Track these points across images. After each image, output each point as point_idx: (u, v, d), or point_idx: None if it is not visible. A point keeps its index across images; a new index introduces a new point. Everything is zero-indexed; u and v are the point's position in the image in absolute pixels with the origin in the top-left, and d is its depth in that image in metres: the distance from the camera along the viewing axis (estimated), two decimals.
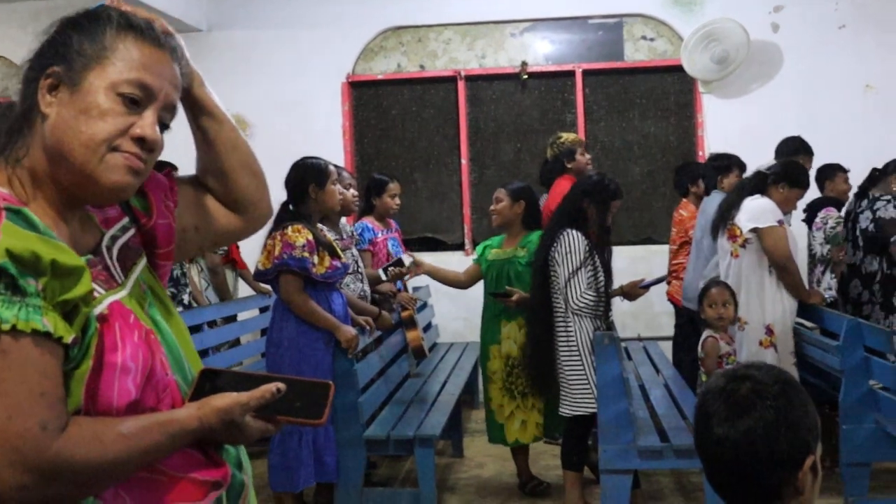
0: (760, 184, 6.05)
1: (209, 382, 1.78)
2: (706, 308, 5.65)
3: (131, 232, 1.86)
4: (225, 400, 1.71)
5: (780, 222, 5.87)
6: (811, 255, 7.57)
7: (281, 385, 1.74)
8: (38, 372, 1.49)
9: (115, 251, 1.80)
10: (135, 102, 1.69)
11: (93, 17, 1.72)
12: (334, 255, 5.47)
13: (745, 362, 2.12)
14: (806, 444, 1.90)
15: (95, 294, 1.63)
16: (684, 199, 7.88)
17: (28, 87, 1.68)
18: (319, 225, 5.66)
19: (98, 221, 1.82)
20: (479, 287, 9.26)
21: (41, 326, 1.49)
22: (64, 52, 1.67)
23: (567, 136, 7.60)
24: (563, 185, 7.18)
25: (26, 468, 1.46)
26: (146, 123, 1.70)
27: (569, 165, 7.35)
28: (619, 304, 6.06)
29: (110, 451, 1.55)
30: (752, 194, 6.01)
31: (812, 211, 7.60)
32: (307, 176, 5.55)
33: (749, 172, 6.64)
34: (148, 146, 1.70)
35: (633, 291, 5.87)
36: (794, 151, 7.06)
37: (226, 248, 8.00)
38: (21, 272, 1.48)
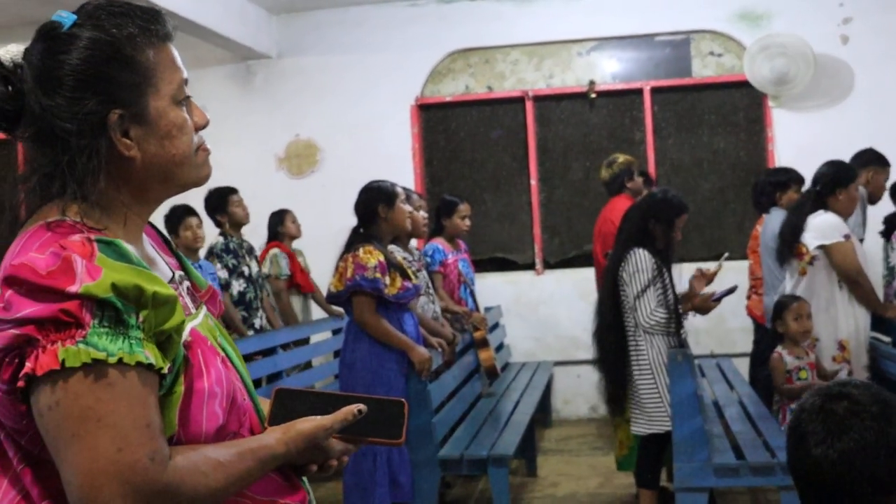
0: (819, 199, 5.97)
1: (285, 403, 1.79)
2: (790, 322, 5.61)
3: (189, 283, 1.89)
4: (309, 424, 1.71)
5: (847, 237, 5.81)
6: (889, 268, 7.46)
7: (362, 407, 1.75)
8: (143, 404, 1.51)
9: (185, 286, 1.84)
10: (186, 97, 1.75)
11: (113, 42, 1.65)
12: (405, 276, 5.51)
13: (842, 379, 2.05)
14: None
15: None
16: (763, 215, 7.77)
17: (83, 139, 1.61)
18: (390, 247, 5.71)
19: (166, 261, 1.87)
20: (548, 306, 9.31)
21: (144, 359, 1.50)
22: (113, 93, 1.63)
23: (623, 158, 7.63)
24: (618, 204, 7.20)
25: (137, 499, 1.47)
26: (200, 112, 1.78)
27: (628, 185, 7.37)
28: (691, 320, 6.02)
29: (212, 480, 1.56)
30: (813, 211, 5.94)
31: (890, 225, 7.49)
32: (376, 197, 5.60)
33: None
34: (205, 127, 1.79)
35: (705, 305, 5.79)
36: (866, 163, 6.95)
37: (289, 272, 8.05)
38: (125, 306, 1.50)
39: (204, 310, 1.85)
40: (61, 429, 1.48)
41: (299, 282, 8.20)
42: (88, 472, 1.46)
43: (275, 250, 8.09)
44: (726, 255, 5.99)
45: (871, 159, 7.05)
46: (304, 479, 1.87)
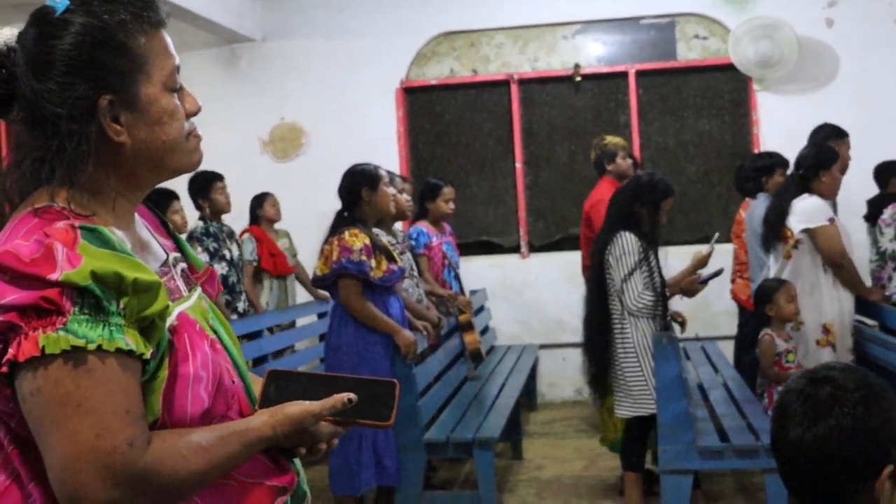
0: (803, 182, 5.96)
1: (277, 385, 1.79)
2: (784, 303, 5.60)
3: (185, 265, 1.91)
4: (297, 408, 1.72)
5: (832, 220, 5.81)
6: (880, 253, 7.46)
7: (352, 396, 1.75)
8: (122, 390, 1.53)
9: (178, 269, 1.85)
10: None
11: (105, 28, 1.65)
12: (391, 258, 5.50)
13: (830, 363, 2.04)
14: (885, 453, 1.83)
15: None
16: (747, 199, 7.76)
17: (73, 124, 1.62)
18: (375, 229, 5.69)
19: (162, 244, 1.88)
20: (534, 290, 9.32)
21: (124, 345, 1.52)
22: (104, 79, 1.64)
23: (611, 139, 7.58)
24: (602, 187, 7.18)
25: (116, 483, 1.50)
26: (192, 98, 1.79)
27: (608, 168, 7.31)
28: (677, 303, 6.02)
29: (193, 463, 1.58)
30: (797, 195, 5.93)
31: (875, 207, 7.48)
32: (359, 180, 5.58)
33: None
34: (196, 114, 1.80)
35: (691, 287, 5.79)
36: (825, 138, 6.92)
37: (255, 257, 7.96)
38: (104, 293, 1.51)
39: (198, 292, 1.86)
40: (42, 414, 1.50)
41: (265, 266, 8.10)
42: (68, 457, 1.49)
43: (245, 235, 8.03)
44: (717, 235, 5.98)
45: (828, 134, 6.96)
46: (296, 460, 1.88)
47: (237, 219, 8.04)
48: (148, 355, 1.56)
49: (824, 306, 5.82)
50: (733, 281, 7.74)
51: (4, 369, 1.50)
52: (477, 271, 9.16)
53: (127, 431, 1.51)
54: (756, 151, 8.85)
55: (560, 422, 8.46)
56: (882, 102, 8.79)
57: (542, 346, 9.19)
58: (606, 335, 5.63)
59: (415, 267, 6.56)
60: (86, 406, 1.49)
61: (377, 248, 5.43)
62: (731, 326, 8.18)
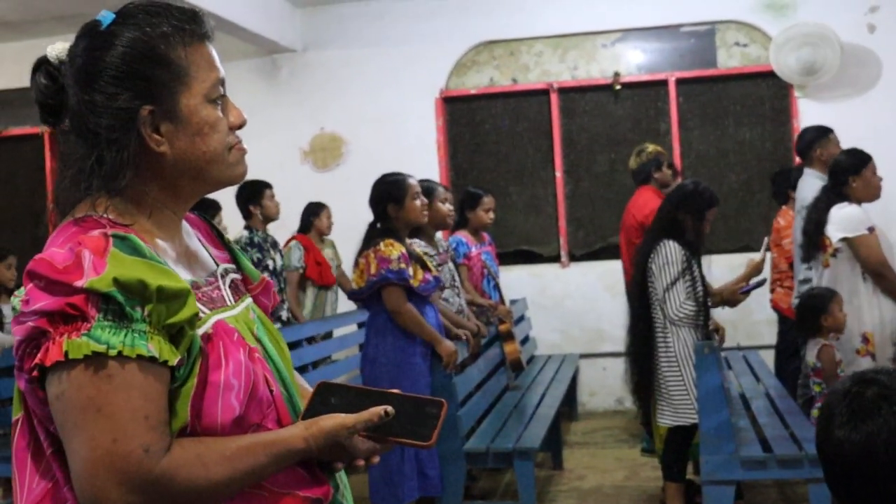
0: (837, 191, 5.90)
1: (324, 397, 1.79)
2: (838, 313, 5.53)
3: (238, 276, 1.94)
4: (331, 422, 1.71)
5: (871, 229, 5.74)
6: None
7: (389, 409, 1.74)
8: (142, 396, 1.54)
9: (227, 280, 1.87)
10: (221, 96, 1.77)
11: (147, 40, 1.68)
12: (426, 268, 5.50)
13: (877, 368, 2.04)
14: None
15: (200, 315, 1.67)
16: (784, 207, 7.74)
17: (113, 133, 1.65)
18: (409, 239, 5.68)
19: (213, 254, 1.91)
20: (573, 299, 9.30)
21: (146, 352, 1.53)
22: (145, 90, 1.67)
23: (654, 147, 7.56)
24: (642, 195, 7.15)
25: (131, 488, 1.51)
26: (237, 111, 1.80)
27: (655, 175, 7.29)
28: (718, 312, 5.99)
29: (213, 472, 1.59)
30: (832, 203, 5.86)
31: None
32: (385, 194, 5.55)
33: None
34: (241, 127, 1.81)
35: (733, 297, 5.78)
36: (812, 143, 6.79)
37: (301, 265, 7.98)
38: (128, 300, 1.53)
39: (246, 302, 1.88)
40: (66, 418, 1.54)
41: (310, 276, 8.13)
42: (86, 460, 1.52)
43: (292, 242, 8.06)
44: (767, 240, 5.95)
45: (813, 137, 6.86)
46: (342, 473, 1.88)
47: (280, 228, 8.08)
48: (174, 362, 1.57)
49: (863, 315, 5.76)
50: (773, 290, 7.69)
51: (35, 373, 1.54)
52: (517, 281, 9.16)
53: (144, 437, 1.53)
54: (797, 159, 8.79)
55: (601, 431, 8.43)
56: None
57: (583, 356, 9.17)
58: (649, 344, 5.62)
59: (456, 277, 6.56)
60: (105, 411, 1.51)
61: (412, 258, 5.44)
62: (772, 335, 8.13)
